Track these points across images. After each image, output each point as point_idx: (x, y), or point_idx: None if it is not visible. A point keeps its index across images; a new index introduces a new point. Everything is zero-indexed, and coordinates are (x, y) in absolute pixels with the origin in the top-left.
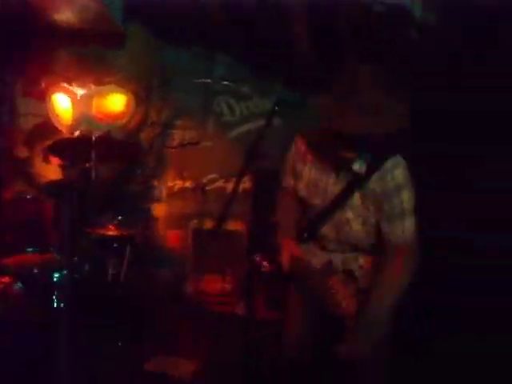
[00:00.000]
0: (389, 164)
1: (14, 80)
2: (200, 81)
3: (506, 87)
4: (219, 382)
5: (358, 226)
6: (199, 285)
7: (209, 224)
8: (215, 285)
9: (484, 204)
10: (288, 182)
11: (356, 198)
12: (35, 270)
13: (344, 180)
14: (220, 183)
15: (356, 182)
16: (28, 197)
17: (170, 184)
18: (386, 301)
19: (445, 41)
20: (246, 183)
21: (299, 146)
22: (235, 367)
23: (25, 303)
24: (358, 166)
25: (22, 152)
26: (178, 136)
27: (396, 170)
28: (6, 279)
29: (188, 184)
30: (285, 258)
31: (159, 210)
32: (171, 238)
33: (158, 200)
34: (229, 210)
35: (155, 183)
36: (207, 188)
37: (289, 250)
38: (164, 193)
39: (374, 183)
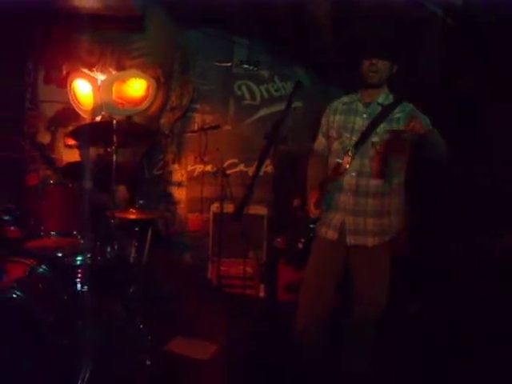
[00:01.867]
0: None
1: (35, 67)
2: (220, 64)
3: None
4: (239, 364)
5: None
6: (220, 268)
7: (230, 208)
8: (236, 268)
9: None
10: (319, 142)
11: (381, 126)
12: (59, 254)
13: (371, 113)
14: (241, 167)
15: (382, 112)
16: (51, 181)
17: (190, 168)
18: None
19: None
20: (267, 167)
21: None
22: (254, 349)
23: (49, 285)
24: (381, 100)
25: (45, 138)
26: (198, 120)
27: (410, 104)
28: (31, 261)
29: (208, 168)
30: (311, 206)
31: (180, 193)
32: (192, 221)
33: (179, 184)
34: (250, 194)
35: (176, 167)
36: (228, 172)
37: (314, 198)
38: (184, 177)
39: (396, 113)
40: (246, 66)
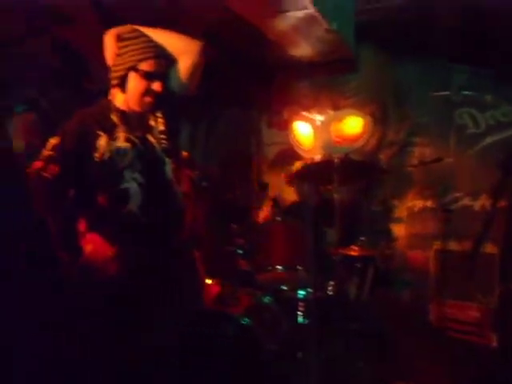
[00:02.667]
0: None
1: (260, 113)
2: (438, 94)
3: None
4: None
5: None
6: (443, 310)
7: (454, 245)
8: (462, 311)
9: None
10: None
11: None
12: (283, 287)
13: None
14: (465, 201)
15: None
16: (277, 219)
17: (410, 203)
18: None
19: None
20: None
21: None
22: None
23: (273, 316)
24: None
25: (269, 178)
26: (417, 153)
27: None
28: (258, 292)
29: (429, 203)
30: None
31: (399, 230)
32: (412, 259)
33: (398, 220)
34: (487, 231)
35: (395, 203)
36: (451, 207)
37: None
38: (404, 213)
39: None
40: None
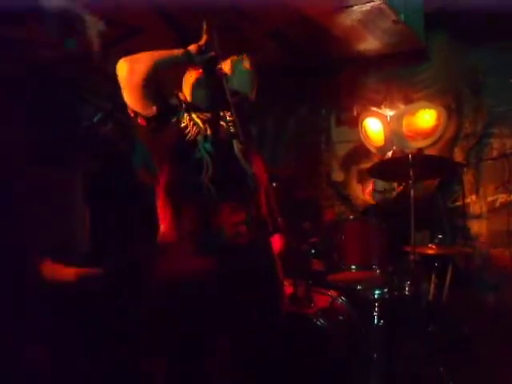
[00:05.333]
0: None
1: (328, 112)
2: None
3: None
4: None
5: None
6: None
7: None
8: None
9: None
10: None
11: None
12: (358, 287)
13: None
14: None
15: None
16: (351, 217)
17: (490, 199)
18: None
19: None
20: None
21: None
22: None
23: (348, 316)
24: None
25: (339, 176)
26: (496, 145)
27: None
28: (333, 293)
29: None
30: None
31: (479, 227)
32: (496, 258)
33: (478, 216)
34: None
35: (473, 198)
36: None
37: None
38: (484, 208)
39: None
40: None
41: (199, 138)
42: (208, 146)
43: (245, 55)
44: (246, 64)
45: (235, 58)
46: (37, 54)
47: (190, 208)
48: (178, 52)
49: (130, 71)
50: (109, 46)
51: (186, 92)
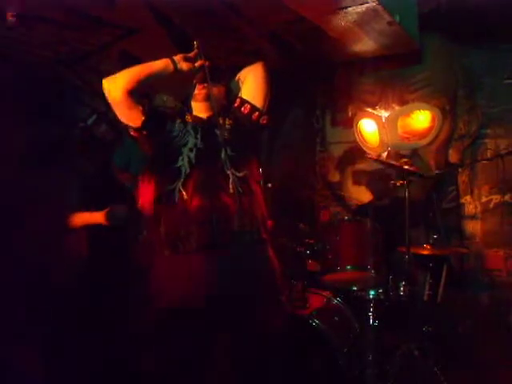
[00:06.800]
0: None
1: (323, 113)
2: (510, 81)
3: None
4: None
5: None
6: None
7: None
8: None
9: None
10: None
11: None
12: (353, 287)
13: None
14: None
15: None
16: (346, 218)
17: (485, 199)
18: None
19: None
20: None
21: None
22: None
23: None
24: None
25: (334, 176)
26: (491, 146)
27: None
28: (328, 293)
29: (507, 198)
30: None
31: (473, 227)
32: (490, 258)
33: (473, 217)
34: None
35: (468, 199)
36: None
37: None
38: (479, 209)
39: None
40: None
41: (185, 148)
42: (192, 155)
43: (260, 63)
44: (259, 72)
45: (248, 66)
46: (35, 55)
47: (163, 212)
48: (162, 62)
49: (108, 91)
50: (105, 46)
51: (194, 104)
